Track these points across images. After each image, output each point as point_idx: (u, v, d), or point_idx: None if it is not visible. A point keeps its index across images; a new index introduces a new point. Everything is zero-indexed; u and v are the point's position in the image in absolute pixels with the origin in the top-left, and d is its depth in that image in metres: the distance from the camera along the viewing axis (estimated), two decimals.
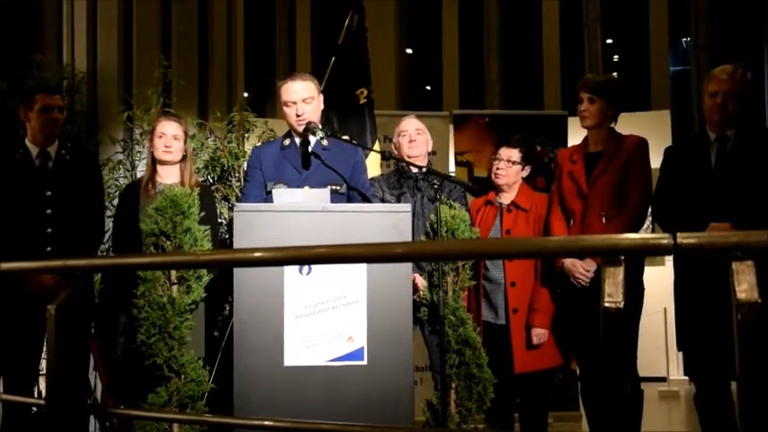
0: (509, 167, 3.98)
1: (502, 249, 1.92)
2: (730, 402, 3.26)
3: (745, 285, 1.35)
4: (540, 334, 3.80)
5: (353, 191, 3.54)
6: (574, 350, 3.84)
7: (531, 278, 3.86)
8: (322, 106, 3.64)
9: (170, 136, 3.82)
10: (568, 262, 3.59)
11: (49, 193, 3.74)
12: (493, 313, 3.89)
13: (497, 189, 4.04)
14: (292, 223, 2.95)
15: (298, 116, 3.49)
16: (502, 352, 3.74)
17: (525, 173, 4.06)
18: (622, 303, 1.43)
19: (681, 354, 3.60)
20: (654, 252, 1.44)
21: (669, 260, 4.19)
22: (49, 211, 3.72)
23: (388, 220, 3.00)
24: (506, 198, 4.01)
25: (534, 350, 3.82)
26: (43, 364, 3.65)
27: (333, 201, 3.31)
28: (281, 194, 3.25)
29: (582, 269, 3.55)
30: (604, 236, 1.59)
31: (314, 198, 3.22)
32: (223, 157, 4.96)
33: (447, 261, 3.20)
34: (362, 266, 2.93)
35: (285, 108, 3.55)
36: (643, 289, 3.57)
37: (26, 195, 3.72)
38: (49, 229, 3.71)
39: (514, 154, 4.00)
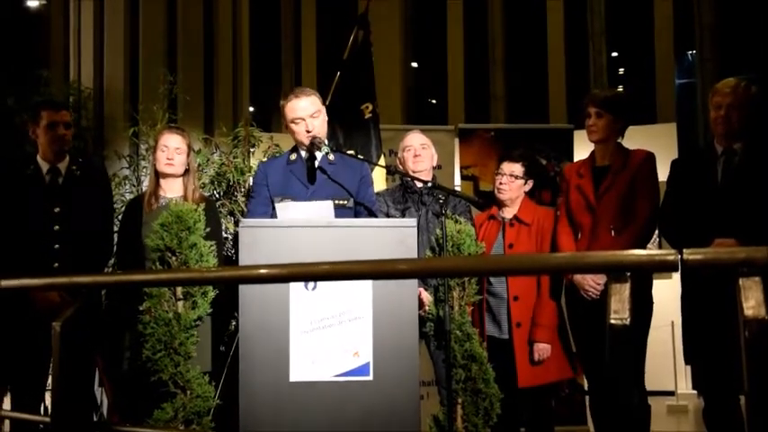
0: (512, 182, 3.98)
1: (508, 266, 1.91)
2: (739, 417, 3.24)
3: (752, 302, 1.34)
4: (542, 349, 3.79)
5: (360, 206, 3.54)
6: (582, 364, 3.83)
7: (533, 292, 3.85)
8: (326, 119, 3.64)
9: (173, 149, 3.81)
10: (578, 275, 3.58)
11: (57, 210, 3.74)
12: (497, 328, 3.88)
13: (500, 203, 4.04)
14: (298, 238, 2.95)
15: (308, 132, 3.49)
16: (506, 366, 3.72)
17: (528, 187, 4.06)
18: (629, 320, 1.43)
19: (689, 367, 3.59)
20: (660, 269, 1.44)
21: (677, 274, 4.17)
22: (56, 227, 3.73)
23: (394, 235, 2.99)
24: (509, 212, 4.00)
25: (538, 365, 3.80)
26: (50, 380, 3.65)
27: (340, 215, 3.31)
28: (285, 208, 3.25)
29: (592, 282, 3.54)
30: (610, 252, 1.58)
31: (317, 210, 3.22)
32: (228, 173, 4.97)
33: (453, 277, 3.19)
34: (368, 281, 2.92)
35: (292, 125, 3.54)
36: (652, 303, 3.55)
37: (34, 211, 3.73)
38: (57, 246, 3.72)
39: (517, 168, 4.00)
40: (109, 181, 4.38)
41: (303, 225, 3.02)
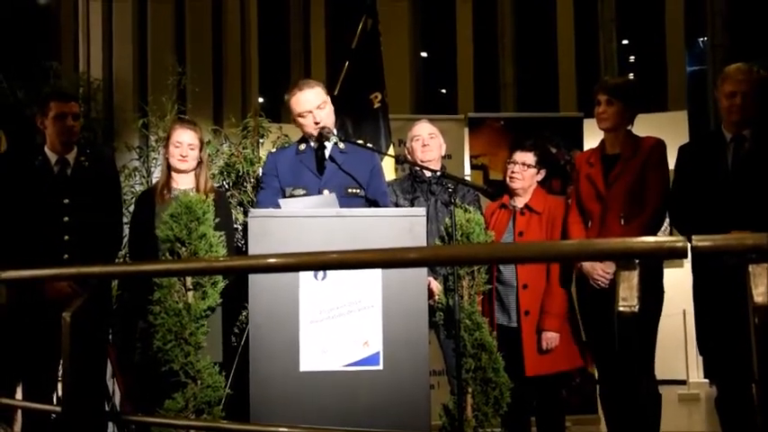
0: (524, 171, 3.97)
1: (518, 253, 1.91)
2: (751, 405, 3.22)
3: (762, 288, 1.34)
4: (550, 338, 3.78)
5: (373, 198, 3.54)
6: (592, 353, 3.82)
7: (543, 281, 3.84)
8: (333, 108, 3.63)
9: (186, 145, 3.82)
10: (587, 264, 3.57)
11: (66, 201, 3.75)
12: (506, 316, 3.87)
13: (512, 192, 4.03)
14: (307, 228, 2.95)
15: (316, 123, 3.49)
16: (516, 355, 3.71)
17: (540, 176, 4.05)
18: (637, 307, 1.42)
19: (700, 357, 3.57)
20: (669, 255, 1.43)
21: (687, 262, 4.16)
22: (66, 218, 3.74)
23: (403, 225, 2.99)
24: (521, 201, 3.99)
25: (546, 353, 3.79)
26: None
27: (352, 204, 3.32)
28: (288, 204, 3.26)
29: (601, 271, 3.53)
30: (619, 239, 1.57)
31: (321, 204, 3.22)
32: (238, 163, 4.97)
33: (462, 265, 3.19)
34: (377, 271, 2.92)
35: (300, 119, 3.54)
36: (663, 293, 3.54)
37: (44, 203, 3.74)
38: (66, 237, 3.73)
39: (529, 157, 3.98)
40: (117, 171, 4.39)
41: (312, 215, 3.02)
